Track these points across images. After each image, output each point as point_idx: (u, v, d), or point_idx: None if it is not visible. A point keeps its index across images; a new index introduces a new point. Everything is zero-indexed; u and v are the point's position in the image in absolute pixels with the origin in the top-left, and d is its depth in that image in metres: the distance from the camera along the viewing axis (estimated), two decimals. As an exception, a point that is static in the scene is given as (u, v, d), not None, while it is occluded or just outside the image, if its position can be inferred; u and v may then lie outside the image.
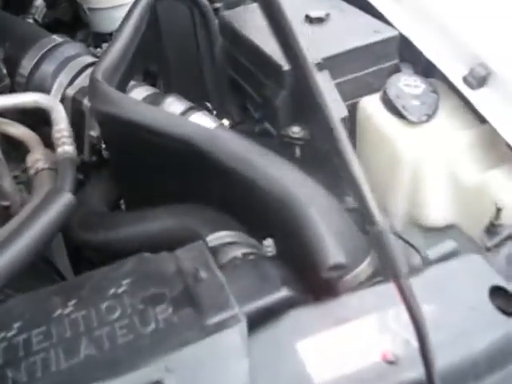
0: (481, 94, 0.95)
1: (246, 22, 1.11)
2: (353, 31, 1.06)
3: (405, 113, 0.97)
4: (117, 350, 0.57)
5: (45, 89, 0.99)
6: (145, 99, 0.96)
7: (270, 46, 1.02)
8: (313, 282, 0.65)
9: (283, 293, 0.64)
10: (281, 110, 1.00)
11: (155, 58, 1.05)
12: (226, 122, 1.02)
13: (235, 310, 0.58)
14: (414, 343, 0.52)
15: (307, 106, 0.96)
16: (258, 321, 0.61)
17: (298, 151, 1.03)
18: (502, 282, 0.66)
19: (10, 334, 0.61)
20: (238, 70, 1.13)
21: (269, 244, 0.71)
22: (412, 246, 0.74)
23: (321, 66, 0.97)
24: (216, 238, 0.71)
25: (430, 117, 0.98)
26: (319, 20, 1.09)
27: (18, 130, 0.94)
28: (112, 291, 0.63)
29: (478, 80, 0.95)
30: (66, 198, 0.74)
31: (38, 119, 0.98)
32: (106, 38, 1.22)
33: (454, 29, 0.99)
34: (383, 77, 1.04)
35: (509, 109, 0.91)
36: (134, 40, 0.91)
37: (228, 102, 1.13)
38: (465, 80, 0.97)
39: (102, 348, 0.57)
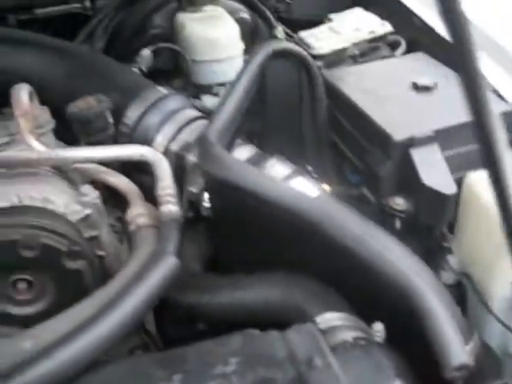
0: None
1: (350, 84, 1.10)
2: (461, 103, 1.03)
3: None
4: None
5: (147, 140, 1.00)
6: (248, 160, 0.95)
7: (379, 114, 0.99)
8: (431, 378, 0.61)
9: (397, 384, 0.60)
10: (385, 179, 0.97)
11: (257, 116, 1.04)
12: (326, 187, 0.99)
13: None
14: None
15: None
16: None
17: (398, 223, 0.99)
18: None
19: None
20: (338, 131, 1.11)
21: (379, 329, 0.67)
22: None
23: (430, 139, 0.93)
24: (326, 319, 0.68)
25: None
26: (426, 88, 1.06)
27: (118, 181, 0.94)
28: (219, 369, 0.61)
29: None
30: (171, 262, 0.72)
31: (134, 167, 0.98)
32: (206, 89, 1.23)
33: None
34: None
35: None
36: (245, 101, 0.91)
37: (325, 162, 1.11)
38: None
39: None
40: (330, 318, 0.68)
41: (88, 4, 1.50)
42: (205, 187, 0.92)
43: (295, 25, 1.50)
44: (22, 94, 0.97)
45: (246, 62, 0.97)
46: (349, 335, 0.67)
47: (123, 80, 1.09)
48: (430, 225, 0.97)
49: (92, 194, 0.91)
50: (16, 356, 0.63)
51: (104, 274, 0.88)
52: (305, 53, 1.05)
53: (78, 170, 0.97)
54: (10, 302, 0.84)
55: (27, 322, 0.79)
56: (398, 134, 0.95)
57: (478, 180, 0.97)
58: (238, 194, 0.76)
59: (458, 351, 0.58)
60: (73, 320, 0.67)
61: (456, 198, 0.96)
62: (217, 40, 1.21)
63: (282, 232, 0.76)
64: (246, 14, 1.38)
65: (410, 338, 0.66)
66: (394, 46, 1.35)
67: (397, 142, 0.93)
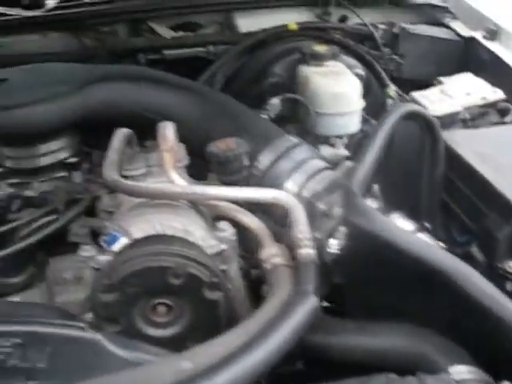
0: None
1: (467, 148, 1.14)
2: None
3: None
4: None
5: (277, 185, 1.07)
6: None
7: (500, 181, 1.03)
8: None
9: None
10: (502, 243, 1.00)
11: (380, 172, 1.10)
12: (442, 245, 1.03)
13: None
14: None
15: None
16: None
17: (510, 286, 1.01)
18: None
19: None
20: (451, 192, 1.15)
21: (506, 384, 0.70)
22: None
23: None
24: (457, 372, 0.71)
25: None
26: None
27: (250, 221, 1.01)
28: None
29: None
30: (313, 302, 0.78)
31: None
32: (324, 140, 1.30)
33: None
34: None
35: None
36: (380, 157, 0.97)
37: (435, 220, 1.15)
38: None
39: None
40: (461, 371, 0.72)
41: (211, 49, 1.62)
42: (330, 234, 0.98)
43: (405, 84, 1.57)
44: (168, 131, 1.07)
45: (381, 121, 1.03)
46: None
47: (257, 126, 1.17)
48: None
49: (229, 231, 0.99)
50: (176, 376, 0.69)
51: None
52: (431, 116, 1.11)
53: (210, 206, 1.04)
54: (148, 323, 0.91)
55: (160, 344, 0.86)
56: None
57: None
58: (379, 245, 0.82)
59: None
60: (225, 346, 0.73)
61: None
62: (341, 94, 1.28)
63: (415, 283, 0.81)
64: (360, 71, 1.45)
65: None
66: (503, 112, 1.39)
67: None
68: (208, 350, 0.74)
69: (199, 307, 0.90)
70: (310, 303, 0.78)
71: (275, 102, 1.30)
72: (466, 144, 1.16)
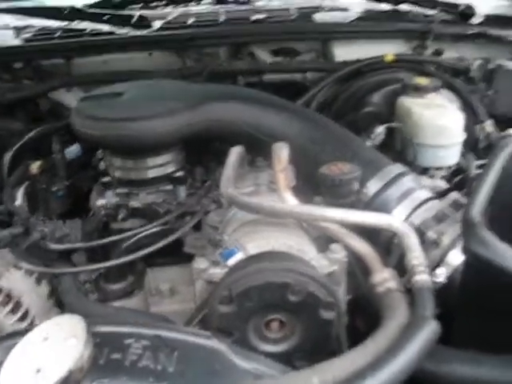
0: None
1: None
2: None
3: None
4: None
5: (385, 212, 1.08)
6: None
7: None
8: None
9: None
10: None
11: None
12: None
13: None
14: None
15: None
16: None
17: None
18: None
19: None
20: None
21: None
22: None
23: None
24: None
25: None
26: None
27: (360, 245, 1.02)
28: None
29: None
30: (433, 327, 0.78)
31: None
32: (424, 171, 1.31)
33: None
34: None
35: None
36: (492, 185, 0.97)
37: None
38: None
39: None
40: None
41: (308, 76, 1.66)
42: (438, 263, 0.99)
43: (497, 120, 1.57)
44: (284, 152, 1.10)
45: (494, 152, 1.04)
46: None
47: (365, 153, 1.19)
48: None
49: (341, 253, 1.00)
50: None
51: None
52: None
53: (320, 228, 1.06)
54: (260, 338, 0.93)
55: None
56: None
57: None
58: (501, 275, 0.82)
59: None
60: (350, 365, 0.74)
61: None
62: (445, 127, 1.29)
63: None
64: (458, 105, 1.46)
65: None
66: None
67: None
68: (334, 367, 0.75)
69: (313, 326, 0.91)
70: (431, 328, 0.78)
71: (380, 130, 1.32)
72: None
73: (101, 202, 1.27)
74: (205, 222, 1.17)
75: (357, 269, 1.07)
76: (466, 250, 0.90)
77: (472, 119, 1.53)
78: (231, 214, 1.15)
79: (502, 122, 1.53)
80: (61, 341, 0.72)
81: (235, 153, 1.12)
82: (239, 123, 1.24)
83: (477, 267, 0.88)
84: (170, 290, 1.25)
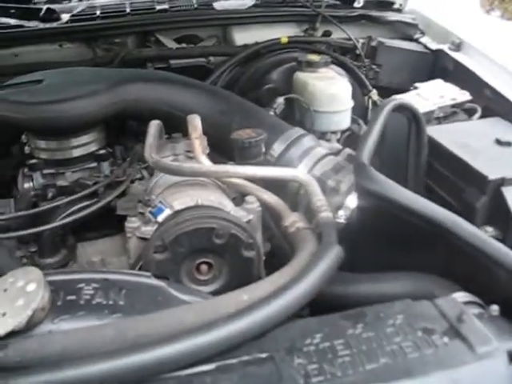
0: None
1: (445, 138, 1.35)
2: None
3: None
4: (407, 361, 0.76)
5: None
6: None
7: (475, 161, 1.24)
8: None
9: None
10: (480, 211, 1.20)
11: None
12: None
13: (496, 345, 0.76)
14: None
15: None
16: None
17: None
18: None
19: (315, 341, 0.81)
20: (433, 176, 1.36)
21: (495, 309, 0.89)
22: None
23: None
24: (459, 296, 0.90)
25: None
26: (508, 144, 1.31)
27: (270, 197, 1.18)
28: (391, 322, 0.83)
29: None
30: (337, 250, 0.95)
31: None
32: (321, 135, 1.50)
33: None
34: None
35: None
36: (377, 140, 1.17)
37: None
38: None
39: (395, 359, 0.77)
40: (461, 295, 0.91)
41: (212, 59, 1.81)
42: (339, 206, 1.17)
43: (381, 91, 1.80)
44: (197, 121, 1.24)
45: (376, 111, 1.24)
46: (476, 311, 0.89)
47: (269, 120, 1.36)
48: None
49: (255, 204, 1.16)
50: (237, 305, 0.84)
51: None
52: (417, 108, 1.32)
53: (234, 185, 1.21)
54: (193, 280, 1.07)
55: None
56: (492, 175, 1.19)
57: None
58: (386, 205, 1.01)
59: None
60: (272, 285, 0.90)
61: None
62: (336, 95, 1.49)
63: (418, 236, 1.00)
64: (346, 78, 1.67)
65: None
66: (470, 112, 1.63)
67: (491, 181, 1.18)
68: (259, 288, 0.90)
69: (237, 265, 1.06)
70: (336, 251, 0.96)
71: (280, 100, 1.50)
72: (445, 135, 1.38)
73: (28, 184, 1.35)
74: (130, 191, 1.29)
75: (270, 220, 1.23)
76: (358, 187, 1.09)
77: (359, 90, 1.75)
78: (154, 181, 1.27)
79: (386, 92, 1.75)
80: (21, 288, 0.81)
81: (154, 125, 1.25)
82: (154, 101, 1.37)
83: (368, 201, 1.07)
84: (102, 261, 1.34)
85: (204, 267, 1.07)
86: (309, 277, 0.89)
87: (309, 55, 1.62)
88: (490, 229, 1.21)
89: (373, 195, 1.04)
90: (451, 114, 1.61)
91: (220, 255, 1.06)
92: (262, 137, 1.23)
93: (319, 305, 1.04)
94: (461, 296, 0.91)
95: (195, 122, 1.24)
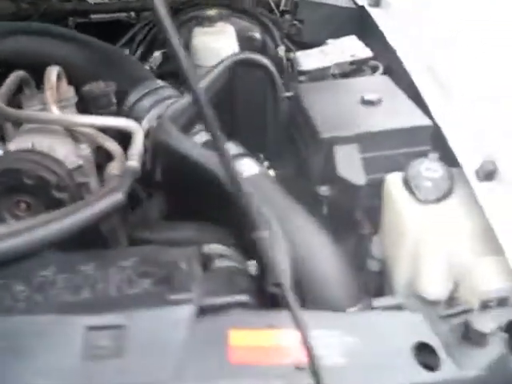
0: (486, 187, 1.06)
1: (310, 95, 1.34)
2: (395, 115, 1.25)
3: (415, 190, 1.11)
4: (106, 298, 0.81)
5: (139, 119, 1.30)
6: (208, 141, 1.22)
7: (321, 117, 1.23)
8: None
9: (240, 298, 0.83)
10: (314, 170, 1.20)
11: (228, 110, 1.31)
12: (272, 172, 1.24)
13: (192, 295, 0.79)
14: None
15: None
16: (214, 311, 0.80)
17: (325, 209, 1.21)
18: (432, 341, 0.78)
19: (45, 273, 0.87)
20: (297, 129, 1.35)
21: (252, 263, 0.91)
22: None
23: (351, 140, 1.16)
24: (210, 248, 0.93)
25: (439, 199, 1.10)
26: (371, 102, 1.28)
27: (110, 144, 1.24)
28: (120, 263, 0.88)
29: (486, 174, 1.07)
30: (116, 197, 1.00)
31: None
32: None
33: (476, 124, 1.13)
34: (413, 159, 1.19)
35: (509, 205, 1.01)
36: (207, 93, 1.19)
37: (284, 154, 1.35)
38: (476, 172, 1.09)
39: (96, 295, 0.82)
40: (214, 248, 0.94)
41: (133, 14, 1.85)
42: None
43: (304, 47, 1.77)
44: (52, 73, 1.31)
45: (217, 64, 1.25)
46: (226, 264, 0.92)
47: (132, 72, 1.41)
48: (347, 211, 1.19)
49: (86, 150, 1.22)
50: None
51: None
52: (267, 61, 1.31)
53: (83, 133, 1.27)
54: (14, 216, 1.14)
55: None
56: (326, 133, 1.18)
57: (393, 179, 1.18)
58: (174, 156, 1.04)
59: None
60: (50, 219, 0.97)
61: (368, 191, 1.17)
62: (214, 50, 1.50)
63: (200, 186, 1.03)
64: (257, 33, 1.66)
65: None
66: (374, 70, 1.59)
67: (323, 139, 1.17)
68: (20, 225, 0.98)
69: (50, 204, 1.12)
70: (114, 197, 1.00)
71: (156, 55, 1.53)
72: (312, 93, 1.36)
73: None
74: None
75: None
76: (155, 140, 1.12)
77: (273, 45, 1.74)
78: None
79: (306, 48, 1.73)
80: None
81: (14, 75, 1.32)
82: (33, 54, 1.44)
83: (163, 153, 1.10)
84: None
85: (22, 205, 1.14)
86: (84, 210, 0.96)
87: (208, 11, 1.62)
88: (325, 188, 1.21)
89: (168, 148, 1.07)
90: (352, 70, 1.58)
91: (33, 195, 1.13)
92: (109, 88, 1.27)
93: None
94: (214, 248, 0.94)
95: (49, 74, 1.30)
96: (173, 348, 0.74)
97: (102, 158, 1.25)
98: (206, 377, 0.72)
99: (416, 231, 1.08)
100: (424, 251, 1.07)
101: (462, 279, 1.04)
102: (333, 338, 0.77)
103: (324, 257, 1.05)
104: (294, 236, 1.00)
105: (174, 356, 0.73)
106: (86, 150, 1.21)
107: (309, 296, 1.01)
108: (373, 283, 1.21)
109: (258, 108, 1.33)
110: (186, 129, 1.16)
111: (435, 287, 1.07)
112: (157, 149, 1.12)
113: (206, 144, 1.20)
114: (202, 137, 1.21)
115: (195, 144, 1.07)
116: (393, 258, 1.15)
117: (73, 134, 1.29)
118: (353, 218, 1.22)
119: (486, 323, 0.78)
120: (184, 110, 1.15)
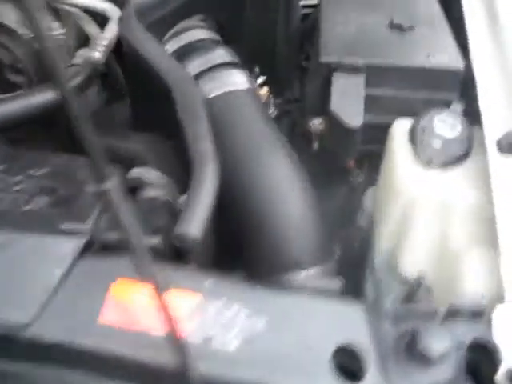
0: (506, 162, 0.85)
1: (330, 10, 1.12)
2: (423, 49, 1.02)
3: (420, 148, 0.91)
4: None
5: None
6: (198, 41, 1.04)
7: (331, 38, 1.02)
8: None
9: (149, 240, 0.70)
10: (309, 98, 1.02)
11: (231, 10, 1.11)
12: (264, 90, 1.06)
13: (87, 227, 0.67)
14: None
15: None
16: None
17: (315, 144, 1.04)
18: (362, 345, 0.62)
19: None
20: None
21: (183, 198, 0.78)
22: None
23: (357, 69, 0.96)
24: (141, 173, 0.79)
25: (445, 165, 0.90)
26: (400, 27, 1.05)
27: (92, 28, 1.08)
28: (31, 172, 0.76)
29: (510, 146, 0.86)
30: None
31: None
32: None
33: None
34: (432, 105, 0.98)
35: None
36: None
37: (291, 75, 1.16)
38: (498, 142, 0.88)
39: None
40: (145, 173, 0.80)
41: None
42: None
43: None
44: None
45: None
46: (152, 193, 0.78)
47: None
48: (336, 153, 1.01)
49: (57, 31, 1.07)
50: None
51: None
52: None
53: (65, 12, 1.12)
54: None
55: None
56: (328, 56, 0.98)
57: (400, 125, 0.97)
58: (132, 56, 0.88)
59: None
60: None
61: (367, 135, 0.98)
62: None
63: (155, 91, 0.87)
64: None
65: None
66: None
67: (322, 63, 0.97)
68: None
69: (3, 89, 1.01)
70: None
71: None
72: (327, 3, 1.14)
73: None
74: None
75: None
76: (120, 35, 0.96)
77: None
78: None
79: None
80: None
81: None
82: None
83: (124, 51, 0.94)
84: None
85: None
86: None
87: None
88: (317, 121, 1.03)
89: (128, 46, 0.91)
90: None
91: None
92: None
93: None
94: (142, 173, 0.81)
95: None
96: (43, 286, 0.63)
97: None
98: (69, 332, 0.61)
99: (409, 197, 0.90)
100: (413, 222, 0.90)
101: (443, 269, 0.86)
102: (236, 315, 0.63)
103: (290, 201, 0.90)
104: (258, 171, 0.85)
105: (39, 297, 0.62)
106: (57, 29, 1.07)
107: (264, 243, 0.88)
108: (357, 240, 1.06)
109: (267, 14, 1.12)
110: (160, 27, 0.99)
111: (415, 267, 0.89)
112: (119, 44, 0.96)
113: (198, 42, 1.03)
114: (196, 35, 1.04)
115: (158, 47, 0.91)
116: (380, 218, 0.98)
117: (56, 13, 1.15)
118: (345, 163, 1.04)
119: (439, 339, 0.60)
120: (156, 4, 0.97)
